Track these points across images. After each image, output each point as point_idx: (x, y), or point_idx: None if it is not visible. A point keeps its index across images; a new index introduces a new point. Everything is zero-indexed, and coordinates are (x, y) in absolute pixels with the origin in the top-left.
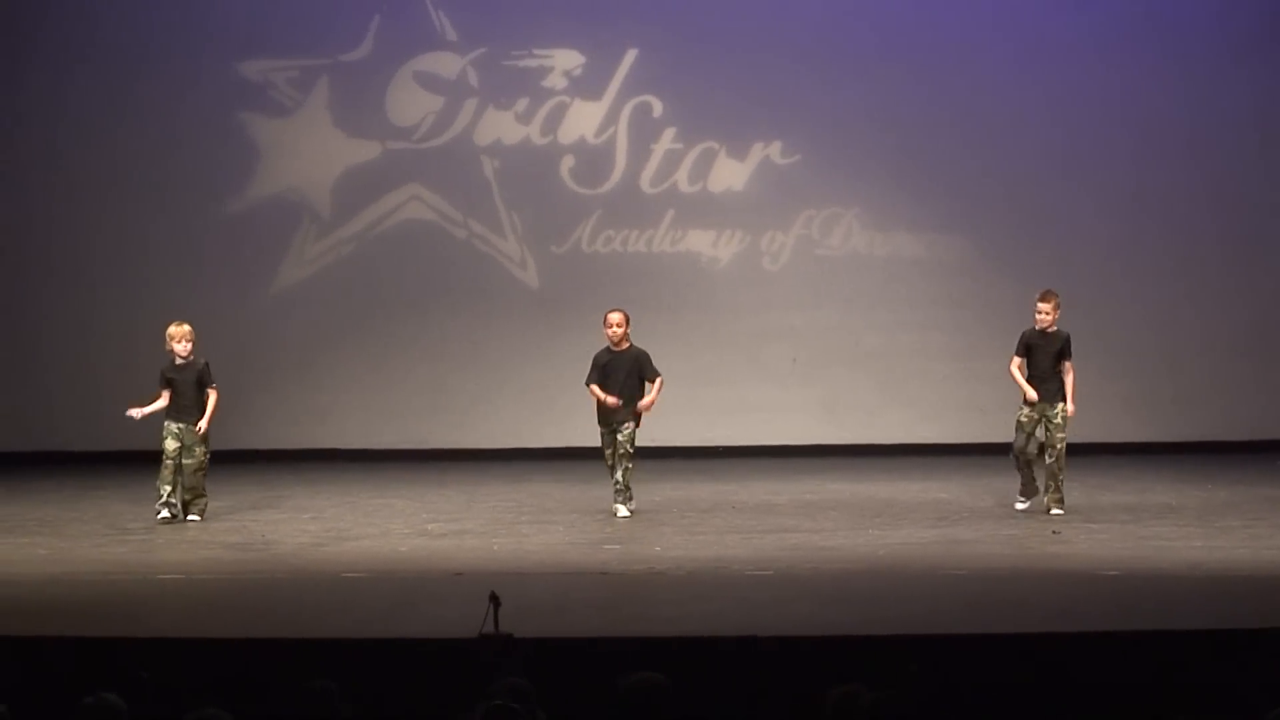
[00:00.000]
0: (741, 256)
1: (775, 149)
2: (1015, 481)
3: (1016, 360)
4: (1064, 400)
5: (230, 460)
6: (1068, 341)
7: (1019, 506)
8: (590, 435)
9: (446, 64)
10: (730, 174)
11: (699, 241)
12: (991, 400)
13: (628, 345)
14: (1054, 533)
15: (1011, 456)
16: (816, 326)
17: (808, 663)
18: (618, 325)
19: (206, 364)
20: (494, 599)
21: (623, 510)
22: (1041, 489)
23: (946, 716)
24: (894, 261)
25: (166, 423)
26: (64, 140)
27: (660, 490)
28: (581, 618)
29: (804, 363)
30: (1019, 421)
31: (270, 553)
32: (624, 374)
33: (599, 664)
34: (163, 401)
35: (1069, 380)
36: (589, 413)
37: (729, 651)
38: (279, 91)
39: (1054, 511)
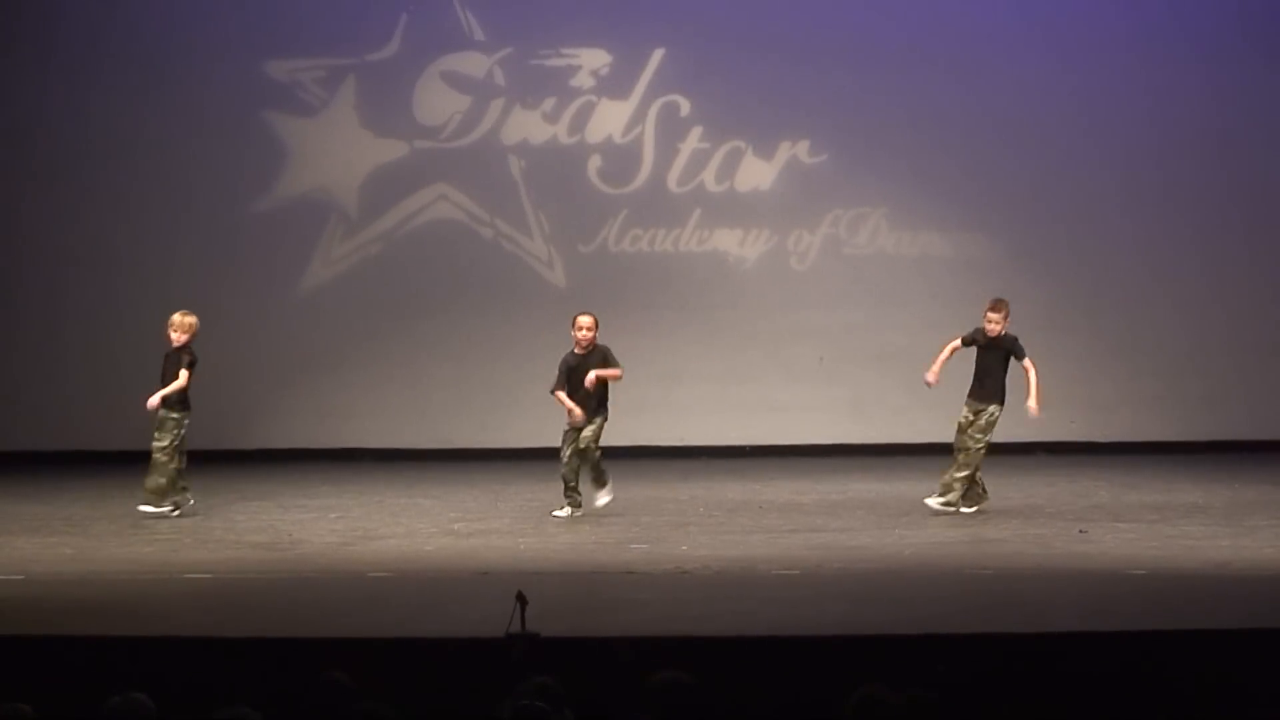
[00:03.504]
0: (768, 256)
1: (802, 148)
2: (1040, 481)
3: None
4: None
5: (256, 459)
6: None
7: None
8: (616, 435)
9: (474, 63)
10: (757, 173)
11: (726, 241)
12: (1018, 400)
13: (593, 347)
14: (1080, 532)
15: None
16: (843, 326)
17: (835, 662)
18: (588, 329)
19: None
20: (521, 598)
21: (563, 512)
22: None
23: (972, 716)
24: (921, 261)
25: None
26: (90, 140)
27: (687, 489)
28: (608, 617)
29: (831, 362)
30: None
31: (296, 552)
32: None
33: (626, 663)
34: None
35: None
36: (616, 412)
37: (756, 651)
38: (306, 91)
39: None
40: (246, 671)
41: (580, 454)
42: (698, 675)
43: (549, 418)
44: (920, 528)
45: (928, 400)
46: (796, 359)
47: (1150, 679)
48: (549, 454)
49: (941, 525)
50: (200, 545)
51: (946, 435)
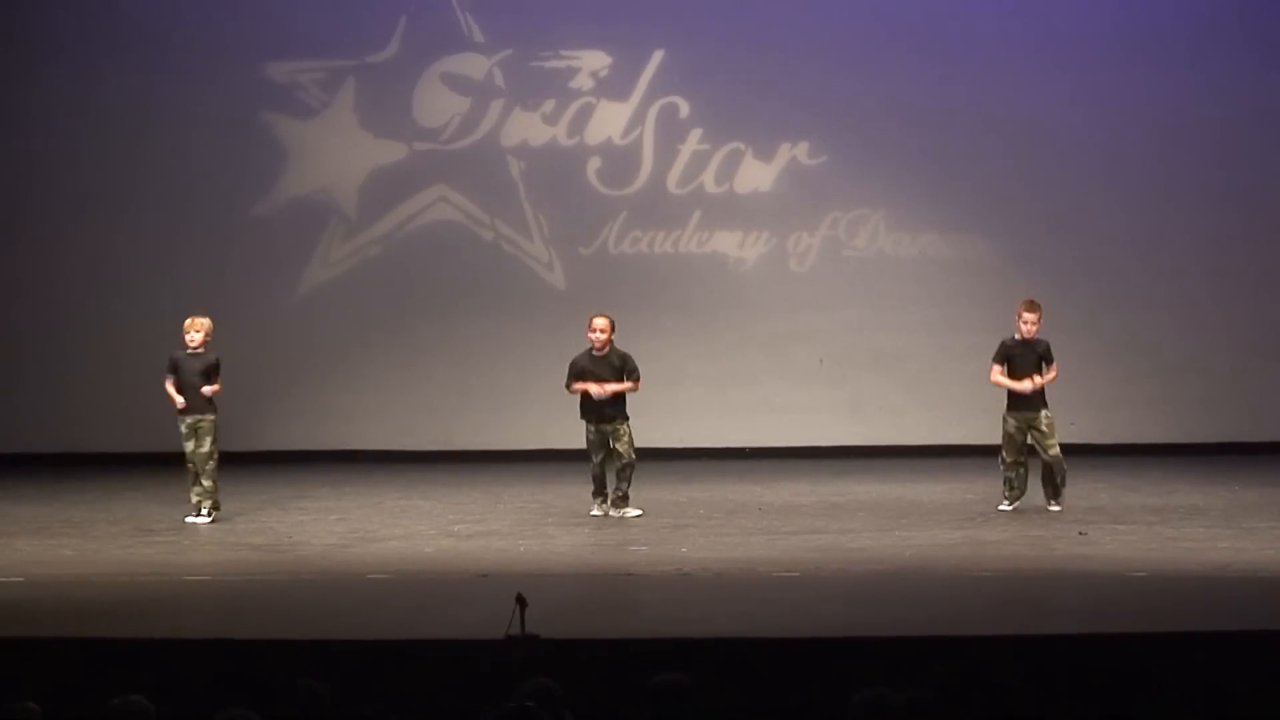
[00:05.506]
0: (768, 257)
1: (802, 149)
2: (1040, 483)
3: (997, 369)
4: (1044, 406)
5: (256, 461)
6: (1049, 349)
7: (1006, 507)
8: None
9: (473, 65)
10: (757, 175)
11: (726, 242)
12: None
13: (609, 349)
14: (1080, 534)
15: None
16: (843, 327)
17: (834, 664)
18: (601, 331)
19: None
20: (520, 600)
21: (632, 511)
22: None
23: (972, 717)
24: (921, 262)
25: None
26: (89, 142)
27: (686, 491)
28: (608, 619)
29: (830, 364)
30: (1008, 434)
31: (296, 554)
32: (606, 378)
33: (625, 665)
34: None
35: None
36: None
37: (755, 652)
38: (306, 93)
39: (1053, 507)
40: (246, 673)
41: (621, 465)
42: (698, 677)
43: (549, 419)
44: (920, 529)
45: (927, 402)
46: (796, 361)
47: (1150, 681)
48: (549, 456)
49: (941, 527)
50: (200, 547)
51: (945, 436)
